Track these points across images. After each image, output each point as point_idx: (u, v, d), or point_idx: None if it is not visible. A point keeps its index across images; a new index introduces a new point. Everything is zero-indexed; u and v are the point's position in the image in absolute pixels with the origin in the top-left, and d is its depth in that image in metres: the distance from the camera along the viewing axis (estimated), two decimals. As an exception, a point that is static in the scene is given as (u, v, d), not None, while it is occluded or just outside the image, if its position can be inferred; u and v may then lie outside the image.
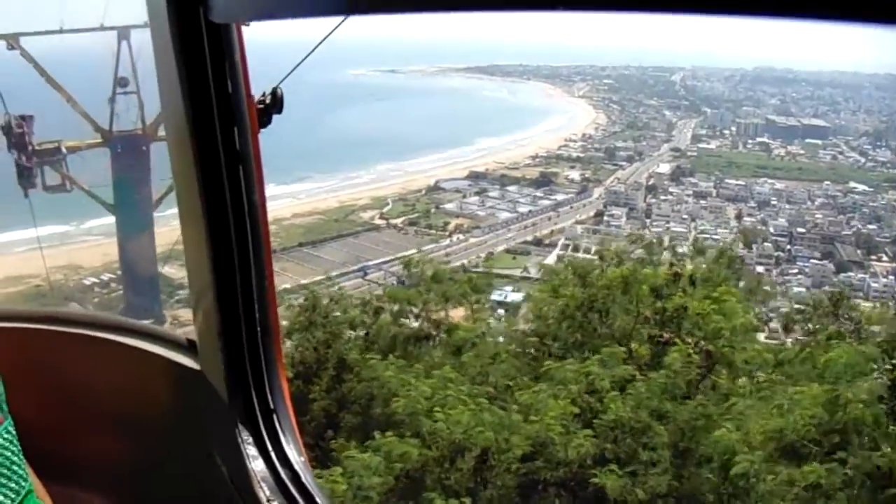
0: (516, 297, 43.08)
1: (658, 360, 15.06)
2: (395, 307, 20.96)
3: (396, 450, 13.91)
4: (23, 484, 1.87)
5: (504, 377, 16.32)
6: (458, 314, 22.01)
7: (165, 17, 1.99)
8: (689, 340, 14.99)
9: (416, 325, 20.63)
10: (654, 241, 21.57)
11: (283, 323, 20.53)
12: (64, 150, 26.60)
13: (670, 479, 13.24)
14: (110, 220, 32.00)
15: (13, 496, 1.83)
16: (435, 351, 19.67)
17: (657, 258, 20.85)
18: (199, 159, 2.18)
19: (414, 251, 50.85)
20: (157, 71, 2.27)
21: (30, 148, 24.38)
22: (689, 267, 18.58)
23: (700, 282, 17.21)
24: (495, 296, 41.03)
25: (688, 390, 14.45)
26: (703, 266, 20.06)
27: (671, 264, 19.06)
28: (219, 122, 2.14)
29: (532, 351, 17.83)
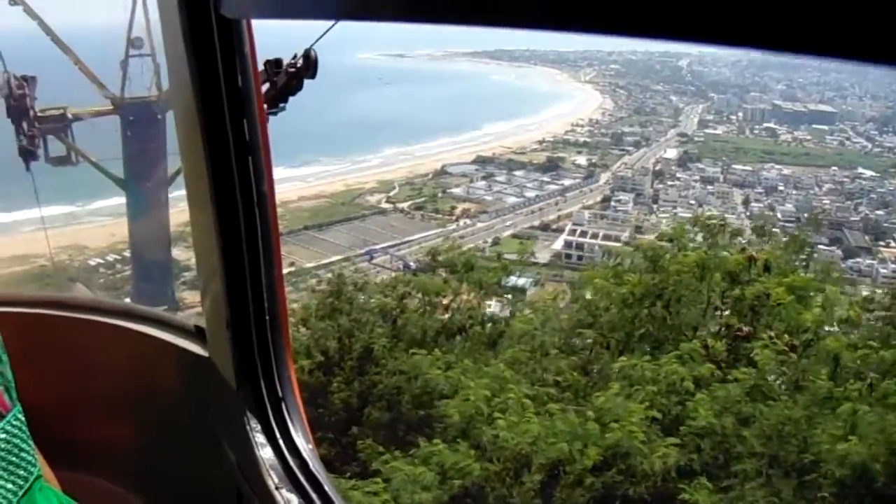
0: (522, 281, 43.19)
1: (735, 355, 13.55)
2: (425, 297, 19.36)
3: (449, 461, 12.45)
4: (31, 470, 1.90)
5: (557, 374, 14.68)
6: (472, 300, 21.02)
7: (176, 11, 2.01)
8: (772, 334, 13.31)
9: (445, 315, 19.10)
10: (717, 223, 19.05)
11: (294, 306, 19.70)
12: (70, 116, 23.38)
13: (768, 493, 11.62)
14: (116, 200, 31.54)
15: (22, 483, 1.87)
16: (467, 344, 18.20)
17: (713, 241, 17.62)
18: (208, 150, 2.20)
19: (424, 235, 51.19)
20: (167, 63, 2.29)
21: (31, 114, 21.19)
22: (750, 251, 16.34)
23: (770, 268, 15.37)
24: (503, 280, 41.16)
25: (775, 391, 12.82)
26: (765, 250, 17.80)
27: (742, 248, 16.95)
28: (228, 114, 2.15)
29: (581, 343, 16.16)
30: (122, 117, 25.71)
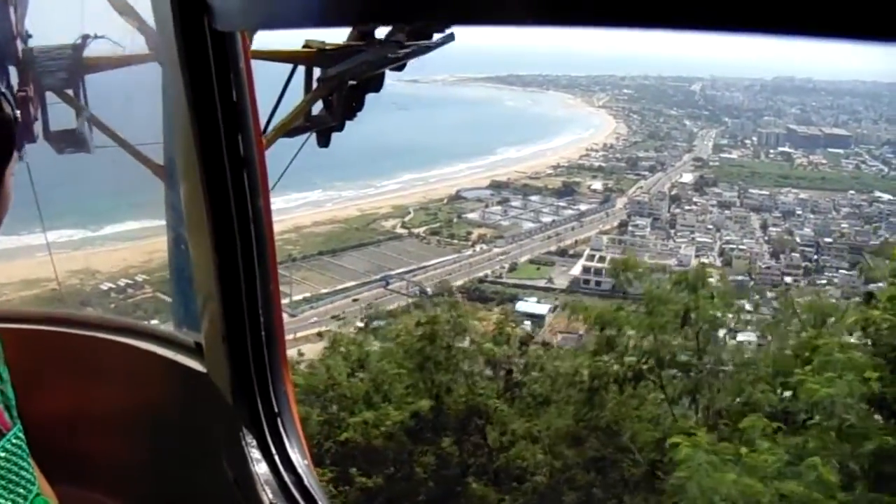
0: (541, 308, 42.97)
1: None
2: (598, 330, 14.89)
3: None
4: (31, 488, 1.92)
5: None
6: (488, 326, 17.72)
7: (171, 28, 2.03)
8: None
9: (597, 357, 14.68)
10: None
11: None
12: (83, 64, 11.79)
13: None
14: (130, 225, 31.09)
15: (21, 501, 1.88)
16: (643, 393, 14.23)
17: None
18: (203, 165, 2.21)
19: (440, 260, 51.00)
20: (163, 77, 2.31)
21: (20, 47, 10.48)
22: None
23: None
24: (520, 307, 40.95)
25: None
26: None
27: None
28: (223, 129, 2.16)
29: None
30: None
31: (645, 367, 13.82)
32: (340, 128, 8.34)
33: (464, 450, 14.78)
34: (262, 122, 8.43)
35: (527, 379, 15.42)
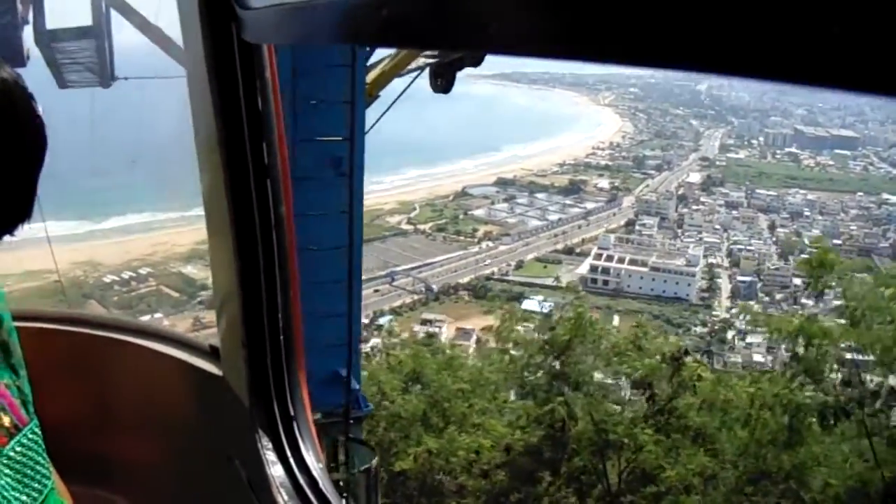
0: (547, 306, 42.39)
1: None
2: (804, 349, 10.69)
3: None
4: (46, 483, 1.94)
5: None
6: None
7: (199, 35, 2.05)
8: None
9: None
10: None
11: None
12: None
13: None
14: (133, 218, 31.00)
15: (36, 495, 1.90)
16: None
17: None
18: (227, 173, 2.23)
19: (447, 257, 50.85)
20: (188, 85, 2.32)
21: None
22: None
23: None
24: (525, 305, 40.67)
25: None
26: None
27: None
28: (248, 137, 2.18)
29: None
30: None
31: (850, 400, 10.40)
32: (479, 61, 6.87)
33: (582, 494, 12.10)
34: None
35: (680, 405, 11.81)
